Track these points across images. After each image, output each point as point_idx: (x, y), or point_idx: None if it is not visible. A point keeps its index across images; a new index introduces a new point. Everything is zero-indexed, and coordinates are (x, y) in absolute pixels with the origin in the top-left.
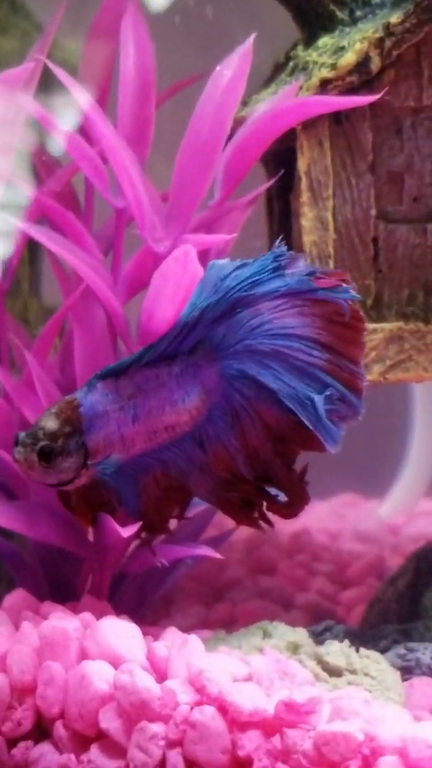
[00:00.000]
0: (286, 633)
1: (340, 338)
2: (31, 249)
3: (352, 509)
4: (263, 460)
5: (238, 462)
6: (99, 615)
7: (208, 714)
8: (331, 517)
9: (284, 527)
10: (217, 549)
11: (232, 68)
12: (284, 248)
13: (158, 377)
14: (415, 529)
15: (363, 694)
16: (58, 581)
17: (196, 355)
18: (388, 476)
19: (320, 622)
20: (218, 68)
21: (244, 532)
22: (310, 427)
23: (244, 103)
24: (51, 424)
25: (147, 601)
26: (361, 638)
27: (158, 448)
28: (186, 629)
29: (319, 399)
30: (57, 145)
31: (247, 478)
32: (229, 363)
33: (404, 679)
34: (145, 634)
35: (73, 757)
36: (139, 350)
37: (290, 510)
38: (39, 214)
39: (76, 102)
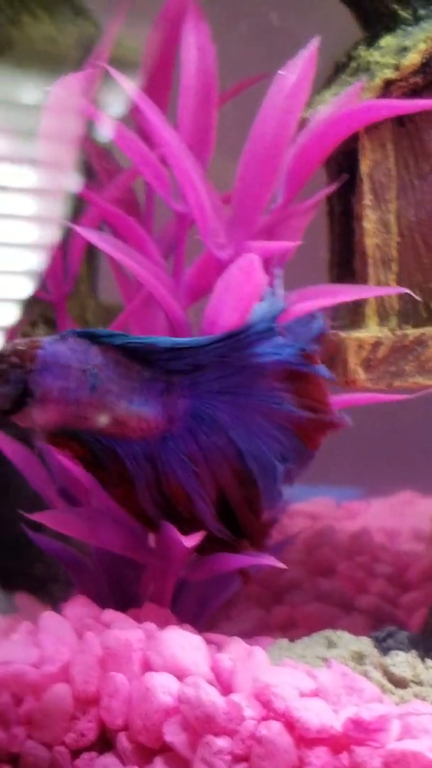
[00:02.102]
0: (350, 642)
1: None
2: (88, 249)
3: (410, 507)
4: (227, 503)
5: (197, 503)
6: (161, 623)
7: (274, 729)
8: (390, 516)
9: (345, 527)
10: (278, 552)
11: (297, 72)
12: (279, 304)
13: (128, 369)
14: None
15: (430, 708)
16: (119, 587)
17: (174, 378)
18: None
19: (381, 625)
20: (282, 71)
21: (304, 533)
22: (260, 488)
23: (307, 104)
24: (4, 349)
25: (208, 610)
26: (424, 645)
27: (109, 437)
28: (245, 633)
29: (280, 468)
30: (117, 149)
31: (210, 525)
32: (203, 405)
33: None
34: (208, 641)
35: None
36: (135, 336)
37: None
38: (100, 220)
39: (138, 106)
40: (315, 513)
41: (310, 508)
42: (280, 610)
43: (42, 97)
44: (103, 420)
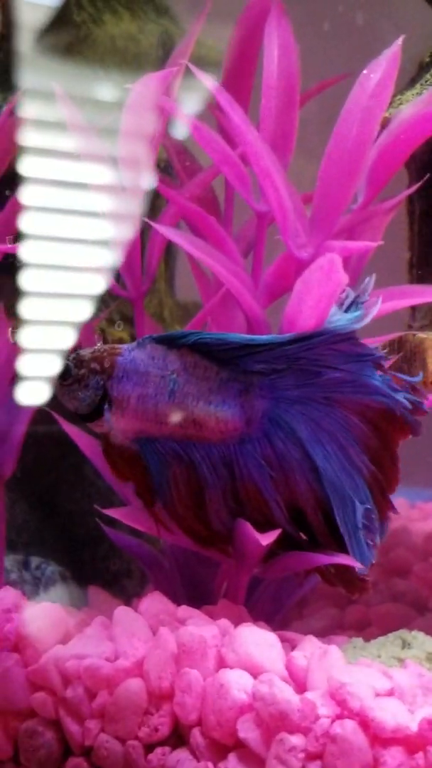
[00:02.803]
0: (425, 643)
1: (387, 459)
2: (166, 248)
3: None
4: (306, 517)
5: (273, 508)
6: (235, 620)
7: (349, 728)
8: None
9: (419, 528)
10: None
11: (380, 71)
12: (361, 309)
13: (205, 370)
14: None
15: None
16: (194, 584)
17: (252, 378)
18: None
19: None
20: (365, 71)
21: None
22: (343, 532)
23: (390, 104)
24: (85, 354)
25: (283, 607)
26: None
27: (187, 440)
28: (319, 632)
29: (360, 507)
30: (198, 148)
31: (286, 530)
32: (281, 411)
33: None
34: (283, 640)
35: (210, 765)
36: (208, 333)
37: (333, 577)
38: (180, 218)
39: (219, 105)
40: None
41: None
42: (354, 610)
43: (123, 95)
44: (182, 424)
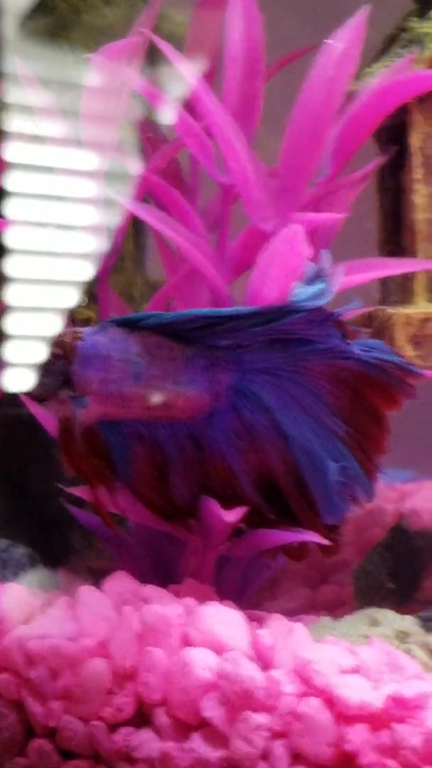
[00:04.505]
0: (394, 621)
1: (368, 422)
2: (135, 225)
3: None
4: (278, 489)
5: (241, 480)
6: (202, 599)
7: (314, 706)
8: None
9: (395, 508)
10: None
11: (345, 41)
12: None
13: (171, 350)
14: None
15: None
16: (160, 563)
17: (217, 353)
18: None
19: (430, 606)
20: (330, 41)
21: (353, 513)
22: (313, 491)
23: (356, 76)
24: (52, 339)
25: (251, 586)
26: None
27: (153, 422)
28: (291, 612)
29: (332, 466)
30: (163, 120)
31: (253, 502)
32: (247, 382)
33: None
34: (251, 619)
35: (175, 744)
36: (169, 313)
37: (296, 553)
38: (144, 191)
39: (182, 76)
40: None
41: None
42: (327, 590)
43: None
44: (149, 406)
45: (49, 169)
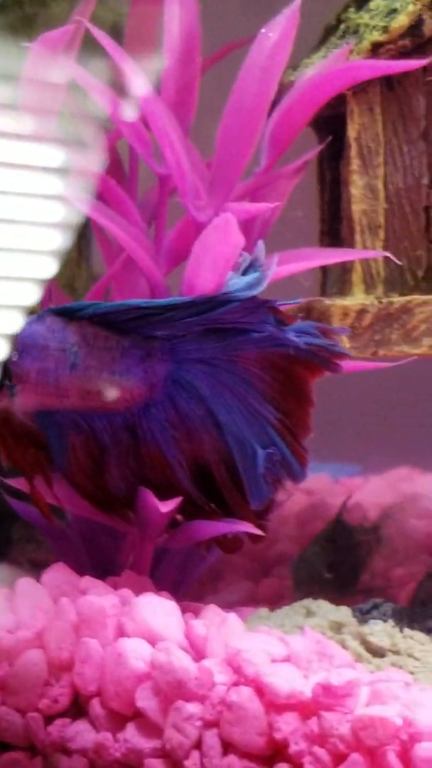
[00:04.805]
0: (329, 612)
1: (295, 405)
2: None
3: (408, 483)
4: (213, 479)
5: (176, 471)
6: (139, 590)
7: (244, 695)
8: (386, 492)
9: (336, 501)
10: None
11: (279, 30)
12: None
13: (106, 340)
14: None
15: (404, 677)
16: (99, 555)
17: (153, 343)
18: None
19: (370, 599)
20: (264, 30)
21: (296, 506)
22: (242, 476)
23: (294, 67)
24: None
25: (189, 578)
26: (409, 617)
27: (90, 412)
28: (233, 605)
29: (261, 452)
30: (100, 110)
31: (189, 493)
32: (183, 372)
33: None
34: (187, 610)
35: (109, 735)
36: (105, 302)
37: (230, 545)
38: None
39: (119, 66)
40: (311, 488)
41: (306, 483)
42: (268, 583)
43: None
44: (85, 396)
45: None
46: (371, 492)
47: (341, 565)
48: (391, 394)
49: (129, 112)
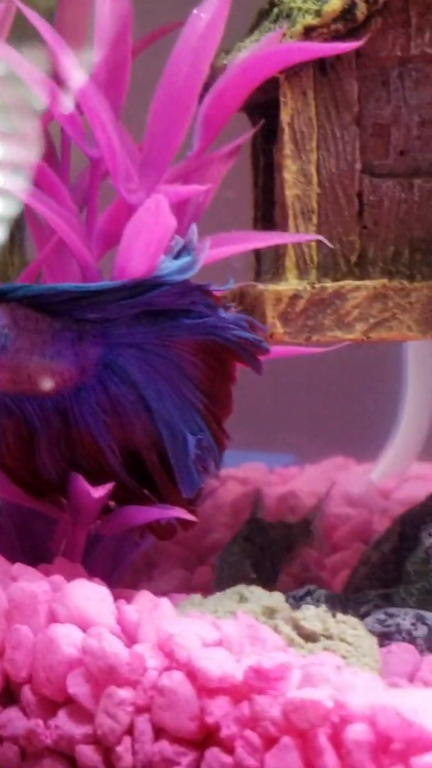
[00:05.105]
0: (262, 597)
1: (220, 387)
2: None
3: (343, 472)
4: (144, 464)
5: (108, 455)
6: (71, 577)
7: (176, 680)
8: (322, 481)
9: (271, 490)
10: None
11: (210, 12)
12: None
13: (37, 322)
14: (405, 493)
15: (336, 660)
16: (32, 542)
17: (85, 327)
18: (380, 439)
19: (303, 586)
20: (195, 11)
21: (231, 494)
22: (173, 463)
23: (227, 51)
24: None
25: (122, 564)
26: (342, 603)
27: (20, 395)
28: (167, 593)
29: (191, 439)
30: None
31: (120, 478)
32: (115, 356)
33: (384, 645)
34: (120, 596)
35: (40, 722)
36: (37, 285)
37: (163, 531)
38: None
39: (53, 49)
40: (246, 478)
41: (241, 473)
42: (203, 571)
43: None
44: (15, 379)
45: None
46: (307, 481)
47: (261, 564)
48: (325, 383)
49: (63, 98)
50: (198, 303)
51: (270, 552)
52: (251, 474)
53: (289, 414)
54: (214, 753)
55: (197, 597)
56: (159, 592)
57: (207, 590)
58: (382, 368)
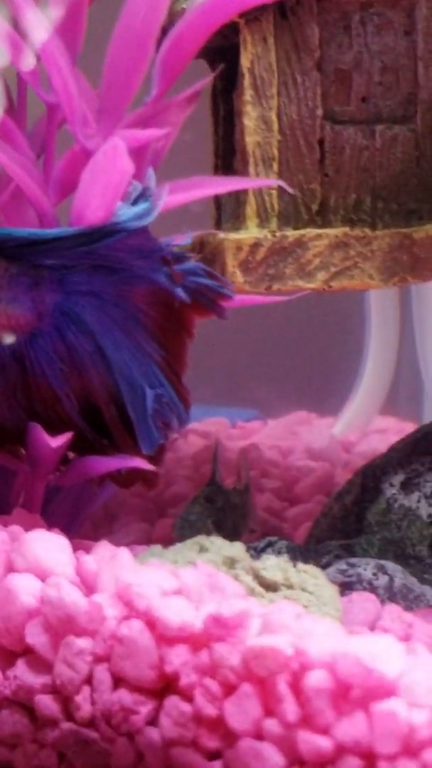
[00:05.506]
0: (223, 547)
1: (177, 341)
2: None
3: (306, 427)
4: (100, 411)
5: (65, 404)
6: (30, 528)
7: (135, 629)
8: (284, 435)
9: (233, 444)
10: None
11: None
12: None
13: None
14: (367, 446)
15: (296, 609)
16: None
17: (42, 273)
18: (343, 394)
19: (265, 538)
20: None
21: (192, 448)
22: (132, 418)
23: None
24: None
25: (81, 515)
26: (303, 554)
27: None
28: (128, 546)
29: (150, 393)
30: None
31: (79, 427)
32: (72, 304)
33: (345, 595)
34: (79, 548)
35: None
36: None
37: (124, 480)
38: None
39: None
40: (208, 432)
41: (203, 427)
42: (164, 523)
43: None
44: None
45: None
46: (269, 435)
47: (223, 525)
48: (287, 338)
49: (17, 39)
50: (157, 269)
51: (231, 513)
52: (213, 428)
53: (252, 368)
54: (173, 701)
55: (157, 548)
56: (119, 545)
57: (167, 543)
58: (345, 322)
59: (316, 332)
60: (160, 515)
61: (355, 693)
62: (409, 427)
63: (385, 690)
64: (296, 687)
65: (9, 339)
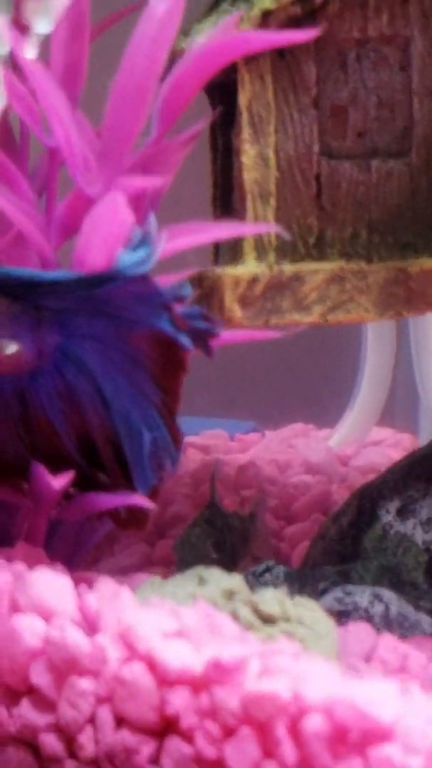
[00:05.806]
0: (221, 579)
1: (172, 384)
2: None
3: (303, 439)
4: (101, 452)
5: (65, 442)
6: (33, 563)
7: (137, 671)
8: (281, 447)
9: (234, 460)
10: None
11: None
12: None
13: None
14: (364, 459)
15: (293, 647)
16: None
17: (43, 314)
18: (340, 405)
19: (262, 559)
20: None
21: (191, 464)
22: (129, 460)
23: (185, 33)
24: None
25: (83, 548)
26: (300, 579)
27: None
28: (127, 569)
29: (148, 436)
30: None
31: (79, 464)
32: (73, 345)
33: (341, 624)
34: (81, 581)
35: (4, 710)
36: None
37: (123, 522)
38: None
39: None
40: (207, 446)
41: (202, 441)
42: (164, 544)
43: None
44: None
45: None
46: (267, 448)
47: (223, 547)
48: (285, 349)
49: (17, 84)
50: (159, 316)
51: (231, 534)
52: (211, 441)
53: (250, 381)
54: (174, 742)
55: (157, 579)
56: (120, 568)
57: (168, 563)
58: (342, 333)
59: (314, 343)
60: (160, 536)
61: (352, 737)
62: (405, 438)
63: (381, 734)
64: (294, 730)
65: (12, 348)
